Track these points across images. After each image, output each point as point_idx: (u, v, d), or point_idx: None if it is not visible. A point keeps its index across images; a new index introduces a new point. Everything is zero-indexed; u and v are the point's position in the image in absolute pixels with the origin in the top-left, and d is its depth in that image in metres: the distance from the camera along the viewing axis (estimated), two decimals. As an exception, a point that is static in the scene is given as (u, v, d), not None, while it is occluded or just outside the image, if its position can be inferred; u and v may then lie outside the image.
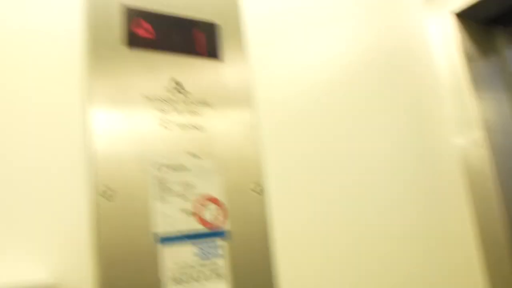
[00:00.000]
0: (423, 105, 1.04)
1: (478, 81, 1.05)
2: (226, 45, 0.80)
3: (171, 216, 0.66)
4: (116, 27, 0.70)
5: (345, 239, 0.82)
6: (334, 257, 0.80)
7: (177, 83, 0.73)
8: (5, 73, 0.61)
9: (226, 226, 0.70)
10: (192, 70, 0.75)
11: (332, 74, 0.92)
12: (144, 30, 0.72)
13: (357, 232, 0.84)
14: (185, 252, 0.65)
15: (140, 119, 0.68)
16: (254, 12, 0.86)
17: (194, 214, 0.68)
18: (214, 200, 0.70)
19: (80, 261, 0.59)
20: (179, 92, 0.72)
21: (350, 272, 0.80)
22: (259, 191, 0.74)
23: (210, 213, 0.69)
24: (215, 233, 0.68)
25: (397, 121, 0.98)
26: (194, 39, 0.77)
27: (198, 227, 0.67)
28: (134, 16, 0.72)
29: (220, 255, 0.68)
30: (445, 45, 1.08)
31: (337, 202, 0.83)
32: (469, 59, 1.05)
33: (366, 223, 0.85)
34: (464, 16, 1.08)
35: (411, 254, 0.89)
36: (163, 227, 0.65)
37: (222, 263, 0.68)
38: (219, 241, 0.68)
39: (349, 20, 0.99)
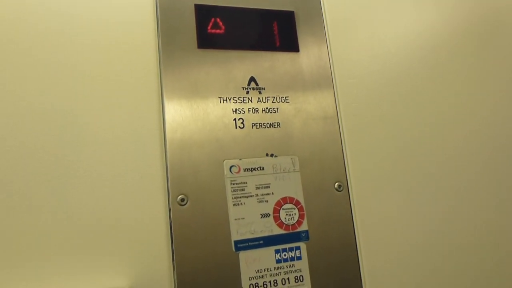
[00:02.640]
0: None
1: None
2: (301, 33, 0.76)
3: (248, 220, 0.65)
4: (189, 27, 0.69)
5: (437, 237, 0.75)
6: (423, 255, 0.73)
7: (252, 80, 0.70)
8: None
9: (306, 227, 0.67)
10: (266, 65, 0.72)
11: (420, 51, 0.84)
12: (216, 28, 0.70)
13: (448, 230, 0.76)
14: (264, 257, 0.64)
15: (215, 120, 0.67)
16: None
17: (272, 216, 0.66)
18: (293, 201, 0.68)
19: (158, 268, 0.59)
20: (254, 89, 0.70)
21: (443, 272, 0.74)
22: (341, 188, 0.71)
23: (289, 215, 0.67)
24: (294, 236, 0.66)
25: (499, 100, 0.88)
26: (268, 31, 0.74)
27: (277, 230, 0.66)
28: (207, 15, 0.70)
29: (301, 258, 0.66)
30: None
31: (427, 195, 0.76)
32: None
33: (459, 221, 0.78)
34: None
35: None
36: (240, 231, 0.64)
37: (302, 267, 0.66)
38: (298, 243, 0.66)
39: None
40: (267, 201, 0.66)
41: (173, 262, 0.60)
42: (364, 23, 0.82)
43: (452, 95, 0.84)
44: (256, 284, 0.63)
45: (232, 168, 0.66)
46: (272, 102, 0.70)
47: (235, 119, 0.68)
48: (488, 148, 0.84)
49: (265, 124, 0.69)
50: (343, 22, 0.80)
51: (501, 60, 0.92)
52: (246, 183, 0.66)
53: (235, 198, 0.65)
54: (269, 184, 0.67)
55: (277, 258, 0.65)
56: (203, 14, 0.70)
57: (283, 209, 0.67)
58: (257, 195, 0.66)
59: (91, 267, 0.57)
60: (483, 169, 0.82)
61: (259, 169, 0.67)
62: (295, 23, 0.75)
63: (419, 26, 0.86)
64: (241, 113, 0.68)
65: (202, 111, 0.66)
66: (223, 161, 0.65)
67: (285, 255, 0.65)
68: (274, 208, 0.66)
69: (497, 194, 0.82)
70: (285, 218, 0.66)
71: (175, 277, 0.59)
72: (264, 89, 0.71)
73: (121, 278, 0.57)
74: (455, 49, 0.88)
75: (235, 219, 0.64)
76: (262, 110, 0.69)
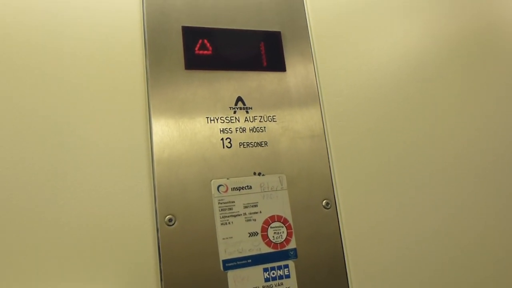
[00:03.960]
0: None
1: None
2: (288, 53, 0.77)
3: (236, 239, 0.65)
4: (177, 49, 0.70)
5: (427, 253, 0.75)
6: (412, 270, 0.74)
7: (239, 100, 0.71)
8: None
9: (295, 245, 0.67)
10: (253, 85, 0.73)
11: (406, 70, 0.85)
12: (204, 50, 0.71)
13: (437, 246, 0.77)
14: (252, 275, 0.64)
15: (202, 140, 0.67)
16: (318, 11, 0.82)
17: (260, 235, 0.66)
18: (281, 219, 0.68)
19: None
20: (241, 108, 0.71)
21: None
22: (329, 206, 0.71)
23: (277, 233, 0.67)
24: (282, 254, 0.67)
25: (488, 114, 0.90)
26: (255, 52, 0.75)
27: (265, 249, 0.66)
28: (194, 36, 0.72)
29: (289, 276, 0.66)
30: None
31: (415, 211, 0.77)
32: None
33: (448, 236, 0.78)
34: None
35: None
36: (229, 250, 0.64)
37: (291, 285, 0.65)
38: (287, 262, 0.66)
39: (426, 9, 0.92)
40: (255, 220, 0.67)
41: (161, 282, 0.60)
42: (351, 42, 0.83)
43: (440, 111, 0.85)
44: (245, 304, 0.63)
45: (220, 188, 0.66)
46: (259, 121, 0.71)
47: (222, 139, 0.68)
48: (477, 162, 0.85)
49: (253, 143, 0.70)
50: (330, 41, 0.81)
51: (489, 75, 0.93)
52: (234, 202, 0.66)
53: (223, 217, 0.65)
54: (257, 202, 0.67)
55: (265, 277, 0.65)
56: (190, 36, 0.71)
57: (271, 227, 0.67)
58: (245, 214, 0.66)
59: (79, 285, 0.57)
60: (473, 183, 0.83)
61: (246, 188, 0.68)
62: (281, 43, 0.77)
63: (406, 44, 0.87)
64: (228, 133, 0.69)
65: (190, 131, 0.67)
66: (211, 180, 0.66)
67: (273, 273, 0.65)
68: (262, 226, 0.67)
69: (488, 208, 0.83)
70: (273, 237, 0.67)
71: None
72: (251, 108, 0.71)
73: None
74: (443, 66, 0.89)
75: (223, 238, 0.64)
76: (250, 130, 0.70)
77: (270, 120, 0.72)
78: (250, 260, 0.65)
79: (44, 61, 0.63)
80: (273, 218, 0.68)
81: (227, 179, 0.67)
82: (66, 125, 0.62)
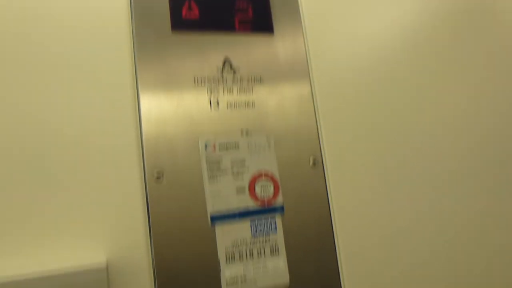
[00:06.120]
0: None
1: None
2: (277, 16, 0.78)
3: (224, 195, 0.67)
4: (163, 11, 0.71)
5: (410, 214, 0.77)
6: (396, 230, 0.76)
7: (226, 62, 0.73)
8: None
9: (281, 201, 0.70)
10: (241, 47, 0.74)
11: (396, 38, 0.86)
12: (190, 12, 0.73)
13: (423, 206, 0.79)
14: (240, 230, 0.67)
15: (189, 100, 0.69)
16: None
17: (247, 191, 0.68)
18: (268, 176, 0.70)
19: (135, 243, 0.62)
20: (228, 70, 0.73)
21: (415, 248, 0.76)
22: (316, 164, 0.73)
23: (264, 189, 0.69)
24: (269, 209, 0.69)
25: (478, 92, 0.91)
26: (243, 14, 0.76)
27: (252, 204, 0.68)
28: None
29: (276, 231, 0.68)
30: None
31: (401, 174, 0.79)
32: None
33: (434, 197, 0.80)
34: None
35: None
36: (216, 206, 0.66)
37: (278, 239, 0.68)
38: (274, 217, 0.69)
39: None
40: (242, 176, 0.69)
41: (150, 236, 0.62)
42: (341, 6, 0.83)
43: (430, 79, 0.86)
44: (233, 256, 0.65)
45: (208, 146, 0.68)
46: (247, 82, 0.73)
47: (210, 99, 0.70)
48: (464, 134, 0.86)
49: (240, 104, 0.71)
50: (319, 4, 0.82)
51: (481, 44, 0.93)
52: (222, 159, 0.68)
53: (210, 174, 0.67)
54: (244, 160, 0.69)
55: (252, 231, 0.67)
56: (178, -1, 0.72)
57: (258, 183, 0.69)
58: (232, 171, 0.68)
59: (71, 244, 0.59)
60: (461, 153, 0.84)
61: (234, 146, 0.69)
62: (269, 5, 0.77)
63: (398, 10, 0.87)
64: (216, 93, 0.71)
65: (178, 92, 0.69)
66: (199, 139, 0.68)
67: (260, 228, 0.67)
68: (250, 183, 0.69)
69: (484, 174, 0.83)
70: (261, 192, 0.69)
71: (153, 251, 0.62)
72: (239, 70, 0.73)
73: (99, 254, 0.60)
74: (434, 35, 0.89)
75: (211, 194, 0.66)
76: (237, 90, 0.72)
77: (258, 81, 0.73)
78: (237, 215, 0.67)
79: (25, 29, 0.65)
80: (260, 175, 0.69)
81: (215, 137, 0.69)
82: (56, 85, 0.64)
